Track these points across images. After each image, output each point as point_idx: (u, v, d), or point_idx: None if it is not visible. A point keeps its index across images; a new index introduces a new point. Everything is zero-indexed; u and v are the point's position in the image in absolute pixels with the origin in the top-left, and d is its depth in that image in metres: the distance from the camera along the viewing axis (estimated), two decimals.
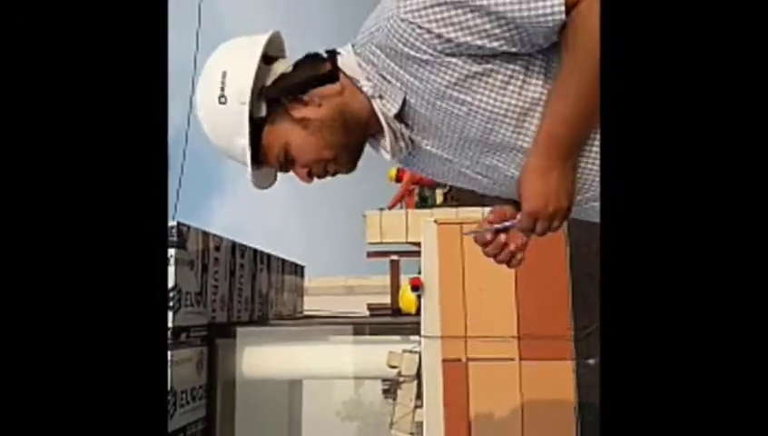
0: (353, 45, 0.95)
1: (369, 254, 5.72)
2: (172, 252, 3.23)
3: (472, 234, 1.06)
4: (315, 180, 1.02)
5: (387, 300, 5.15)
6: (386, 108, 0.94)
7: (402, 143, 0.98)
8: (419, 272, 3.49)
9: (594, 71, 0.77)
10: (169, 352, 3.14)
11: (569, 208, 0.91)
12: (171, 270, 3.21)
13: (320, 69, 0.95)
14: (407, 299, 4.03)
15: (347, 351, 4.01)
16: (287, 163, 0.98)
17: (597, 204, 0.95)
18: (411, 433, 3.25)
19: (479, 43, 0.83)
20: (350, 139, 0.97)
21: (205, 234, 3.72)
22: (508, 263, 1.05)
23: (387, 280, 5.37)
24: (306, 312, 5.99)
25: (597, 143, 0.90)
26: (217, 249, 3.90)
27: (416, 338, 3.40)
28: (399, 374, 3.32)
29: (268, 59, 0.97)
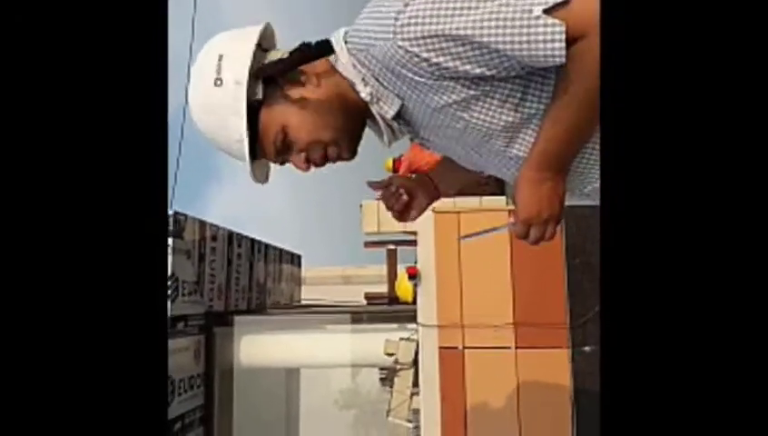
0: (346, 43, 0.93)
1: (367, 244, 5.71)
2: (169, 241, 3.23)
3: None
4: (313, 169, 1.02)
5: (384, 289, 5.15)
6: (383, 110, 0.94)
7: (399, 135, 0.99)
8: (416, 262, 3.50)
9: (590, 100, 0.78)
10: None
11: (560, 215, 0.94)
12: (168, 259, 3.21)
13: (316, 48, 0.94)
14: (404, 288, 4.03)
15: (344, 340, 4.02)
16: (284, 149, 0.96)
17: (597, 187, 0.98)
18: (408, 421, 3.27)
19: (478, 71, 0.82)
20: (349, 122, 0.96)
21: (202, 224, 3.72)
22: (400, 214, 1.13)
23: (384, 269, 5.37)
24: (303, 301, 6.00)
25: (596, 142, 0.91)
26: (214, 238, 3.89)
27: (413, 326, 3.41)
28: (396, 362, 3.34)
29: (262, 48, 0.96)
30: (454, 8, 0.79)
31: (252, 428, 4.29)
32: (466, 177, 1.21)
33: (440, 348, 3.24)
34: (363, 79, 0.92)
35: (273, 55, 0.96)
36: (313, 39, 0.96)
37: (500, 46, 0.79)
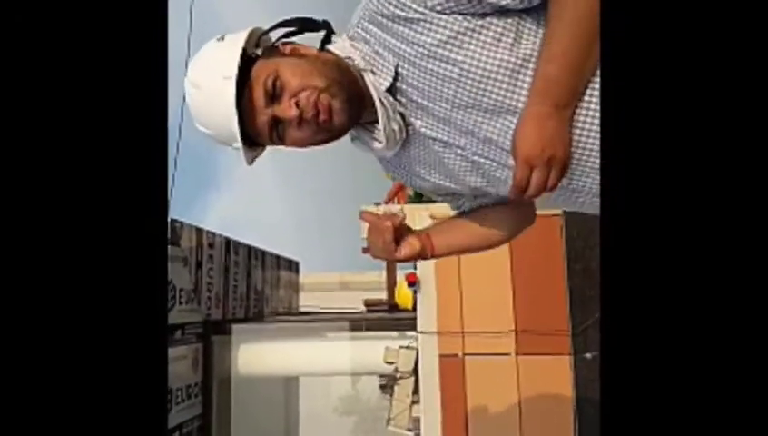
0: (345, 33, 0.95)
1: (365, 250, 5.70)
2: None
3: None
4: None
5: (383, 295, 5.14)
6: (378, 81, 0.93)
7: (395, 126, 0.95)
8: (415, 268, 3.48)
9: (584, 9, 0.78)
10: None
11: (565, 162, 0.88)
12: None
13: (319, 23, 0.96)
14: (403, 294, 4.02)
15: (343, 348, 4.00)
16: (274, 97, 0.92)
17: (596, 199, 0.93)
18: (409, 429, 3.24)
19: None
20: (344, 78, 0.93)
21: (199, 231, 3.70)
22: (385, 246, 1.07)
23: (383, 275, 5.36)
24: (302, 308, 5.98)
25: (589, 127, 0.88)
26: (211, 246, 3.88)
27: (412, 334, 3.39)
28: (396, 370, 3.31)
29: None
30: None
31: None
32: (462, 240, 1.18)
33: (440, 355, 3.22)
34: (360, 53, 0.94)
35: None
36: (310, 44, 0.97)
37: None
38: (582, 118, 0.88)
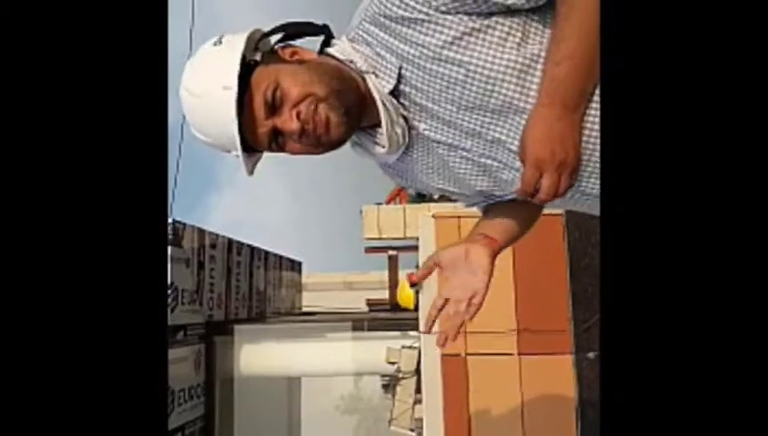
0: (345, 36, 0.94)
1: (367, 250, 5.70)
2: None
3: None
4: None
5: (385, 295, 5.14)
6: (380, 84, 0.91)
7: (399, 129, 0.94)
8: (418, 268, 3.48)
9: (593, 10, 0.77)
10: None
11: (576, 166, 0.87)
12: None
13: (319, 27, 0.95)
14: (405, 294, 4.02)
15: (345, 348, 4.00)
16: (275, 107, 0.91)
17: (595, 197, 0.93)
18: (411, 429, 3.24)
19: None
20: (345, 87, 0.92)
21: (201, 232, 3.70)
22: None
23: (385, 275, 5.36)
24: (304, 308, 5.98)
25: (590, 130, 0.88)
26: (213, 246, 3.88)
27: (415, 333, 3.39)
28: (398, 370, 3.31)
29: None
30: None
31: None
32: (513, 228, 1.12)
33: (443, 355, 3.21)
34: (361, 56, 0.92)
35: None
36: (307, 45, 0.96)
37: None
38: (591, 119, 0.87)
